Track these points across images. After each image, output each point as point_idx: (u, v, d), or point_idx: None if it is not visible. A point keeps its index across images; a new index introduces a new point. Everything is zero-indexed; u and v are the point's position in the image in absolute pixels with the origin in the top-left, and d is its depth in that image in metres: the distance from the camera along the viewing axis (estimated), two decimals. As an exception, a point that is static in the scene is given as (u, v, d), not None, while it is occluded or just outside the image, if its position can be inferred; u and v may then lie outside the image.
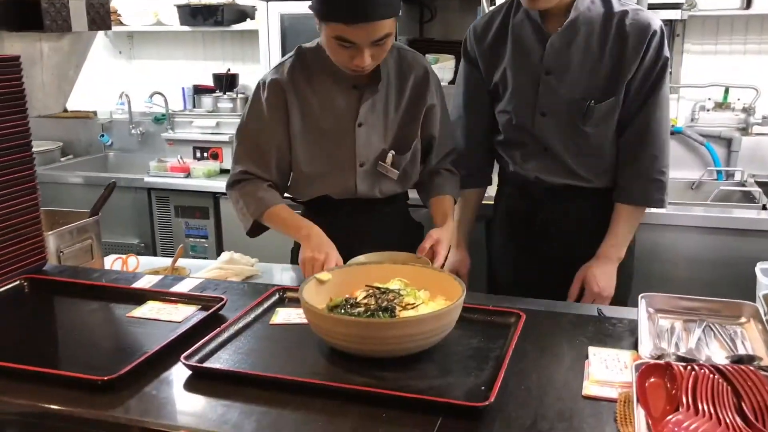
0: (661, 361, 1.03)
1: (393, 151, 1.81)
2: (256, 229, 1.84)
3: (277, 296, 1.42)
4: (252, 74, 3.79)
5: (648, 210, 2.65)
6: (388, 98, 1.81)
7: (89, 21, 1.97)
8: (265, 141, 1.80)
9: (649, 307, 1.30)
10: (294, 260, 2.05)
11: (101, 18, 2.03)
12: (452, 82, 3.30)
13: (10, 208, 1.50)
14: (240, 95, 3.66)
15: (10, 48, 1.88)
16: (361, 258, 1.57)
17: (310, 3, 1.65)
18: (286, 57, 1.85)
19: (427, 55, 3.29)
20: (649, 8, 2.82)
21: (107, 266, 1.98)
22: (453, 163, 1.93)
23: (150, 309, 1.37)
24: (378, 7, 1.53)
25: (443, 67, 3.28)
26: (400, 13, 1.63)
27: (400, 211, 1.99)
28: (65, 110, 3.79)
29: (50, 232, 1.75)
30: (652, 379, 1.01)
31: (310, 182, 1.84)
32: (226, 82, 3.72)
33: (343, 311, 1.19)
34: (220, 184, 3.36)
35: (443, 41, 3.56)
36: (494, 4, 2.98)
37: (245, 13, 3.67)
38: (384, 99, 1.80)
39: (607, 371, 1.11)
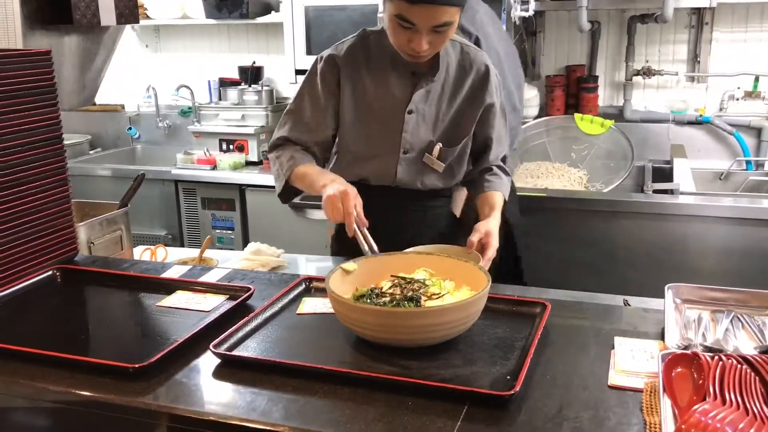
0: (688, 351, 1.03)
1: (441, 144, 1.81)
2: (289, 193, 1.84)
3: (303, 286, 1.43)
4: (277, 67, 3.81)
5: (676, 201, 2.67)
6: (444, 90, 1.80)
7: (117, 15, 2.00)
8: (312, 112, 1.83)
9: (675, 297, 1.29)
10: (335, 251, 2.07)
11: (129, 12, 2.06)
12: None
13: (43, 200, 1.53)
14: (265, 88, 3.68)
15: (40, 41, 1.91)
16: (410, 250, 1.56)
17: None
18: (349, 37, 1.86)
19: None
20: (676, -4, 2.80)
21: (136, 257, 2.02)
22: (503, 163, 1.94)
23: (179, 298, 1.40)
24: None
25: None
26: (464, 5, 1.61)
27: (442, 208, 1.96)
28: (93, 103, 3.84)
29: (81, 224, 1.79)
30: (679, 369, 1.01)
31: (353, 162, 1.85)
32: (252, 74, 3.74)
33: (369, 301, 1.20)
34: (246, 176, 3.39)
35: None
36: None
37: (270, 6, 3.69)
38: (440, 90, 1.80)
39: (633, 361, 1.11)
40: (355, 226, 1.50)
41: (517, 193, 2.83)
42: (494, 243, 1.61)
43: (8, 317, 1.35)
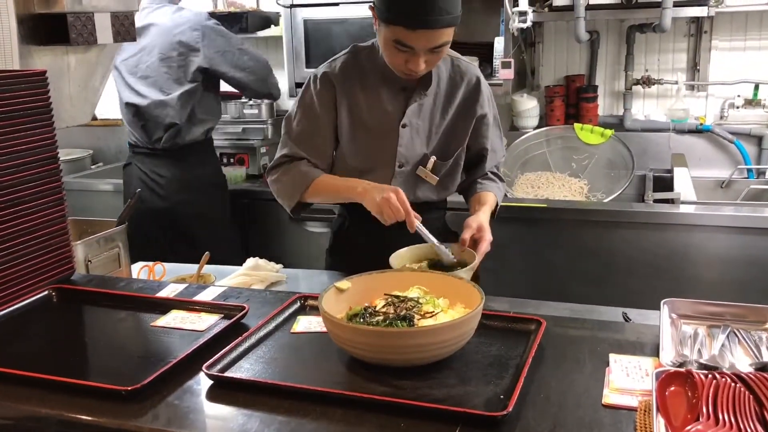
0: (682, 369, 1.02)
1: (434, 157, 1.81)
2: (299, 207, 1.87)
3: (298, 304, 1.43)
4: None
5: (677, 210, 2.66)
6: (436, 104, 1.82)
7: (114, 33, 2.00)
8: (311, 131, 1.84)
9: (671, 312, 1.28)
10: (329, 265, 2.07)
11: (126, 30, 2.06)
12: (476, 83, 3.30)
13: (39, 219, 1.53)
14: (265, 102, 3.69)
15: (38, 61, 1.92)
16: (403, 250, 1.63)
17: (371, 2, 1.67)
18: (340, 53, 1.89)
19: (450, 58, 3.30)
20: (675, 6, 2.79)
21: (134, 273, 2.02)
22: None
23: (174, 318, 1.39)
24: (442, 15, 1.55)
25: (466, 69, 3.27)
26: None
27: (436, 220, 1.97)
28: (94, 118, 3.86)
29: (78, 242, 1.79)
30: (673, 388, 1.00)
31: (349, 177, 1.86)
32: (252, 87, 3.74)
33: (361, 320, 1.19)
34: (246, 190, 3.39)
35: (466, 42, 3.54)
36: (517, 5, 2.98)
37: (269, 20, 3.70)
38: (432, 104, 1.81)
39: (627, 379, 1.10)
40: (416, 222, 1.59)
41: (517, 204, 2.84)
42: (487, 236, 1.66)
43: (4, 338, 1.35)
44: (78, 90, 2.06)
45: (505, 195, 2.97)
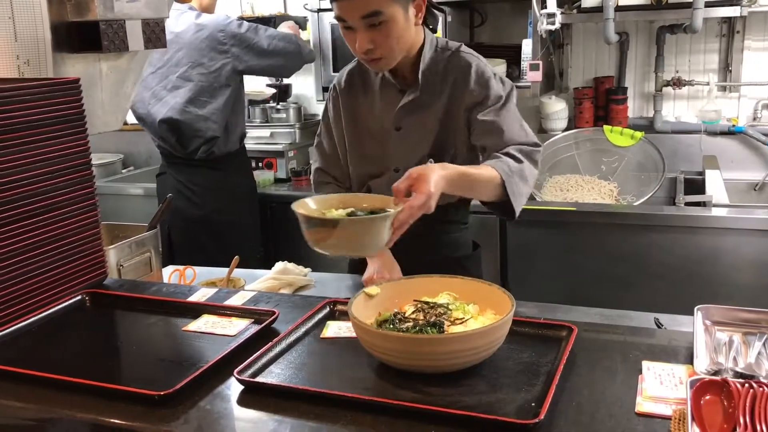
0: (717, 378, 1.00)
1: (431, 159, 1.76)
2: None
3: (327, 309, 1.43)
4: (304, 84, 3.83)
5: (709, 213, 2.62)
6: (427, 102, 1.78)
7: (145, 40, 2.03)
8: (330, 145, 1.94)
9: (705, 319, 1.26)
10: (352, 269, 2.08)
11: (156, 36, 2.08)
12: (504, 86, 3.29)
13: (72, 225, 1.56)
14: (293, 105, 3.71)
15: (71, 69, 1.95)
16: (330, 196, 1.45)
17: None
18: (352, 62, 1.92)
19: (477, 60, 3.28)
20: (706, 6, 2.75)
21: (165, 278, 2.04)
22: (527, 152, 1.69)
23: (205, 323, 1.40)
24: None
25: (494, 72, 3.25)
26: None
27: (457, 237, 1.95)
28: (125, 123, 3.90)
29: (110, 247, 1.81)
30: (708, 396, 0.98)
31: (359, 186, 1.90)
32: (280, 92, 3.77)
33: (391, 326, 1.19)
34: (274, 194, 3.41)
35: (494, 45, 3.54)
36: (545, 7, 2.96)
37: (297, 24, 3.72)
38: (426, 104, 1.78)
39: (661, 387, 1.09)
40: None
41: (546, 207, 2.82)
42: (425, 188, 1.34)
43: (38, 343, 1.37)
44: (110, 96, 2.09)
45: (533, 198, 2.98)
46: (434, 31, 1.85)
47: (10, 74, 1.78)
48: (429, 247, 1.89)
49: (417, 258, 1.76)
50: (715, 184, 2.86)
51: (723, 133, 3.19)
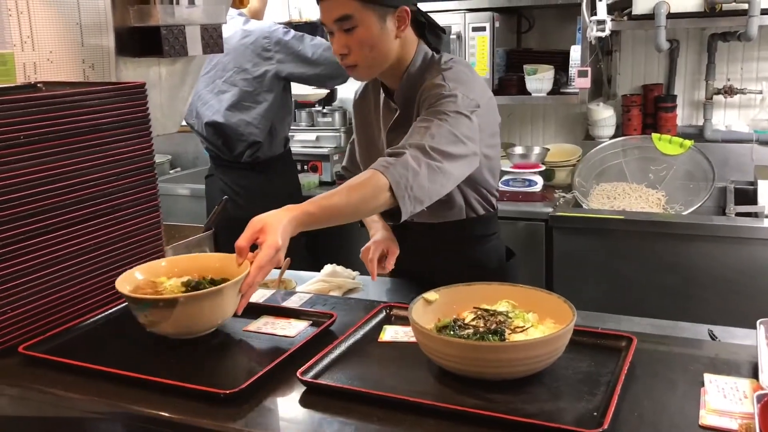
0: (785, 393, 1.00)
1: None
2: None
3: (384, 313, 1.45)
4: (348, 89, 3.86)
5: (761, 224, 2.58)
6: (409, 118, 1.75)
7: (204, 45, 2.07)
8: (352, 146, 2.11)
9: (768, 333, 1.25)
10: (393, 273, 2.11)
11: (214, 41, 2.13)
12: (551, 92, 3.28)
13: (136, 225, 1.60)
14: (338, 110, 3.75)
15: (132, 72, 2.00)
16: None
17: None
18: None
19: (525, 66, 3.28)
20: (762, 13, 2.71)
21: (219, 278, 2.07)
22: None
23: (265, 323, 1.43)
24: None
25: (541, 78, 3.26)
26: (374, 1, 1.63)
27: (464, 242, 1.93)
28: (178, 125, 3.99)
29: (168, 247, 1.86)
30: (775, 412, 0.98)
31: None
32: (325, 96, 3.81)
33: (451, 332, 1.20)
34: (319, 196, 3.44)
35: (541, 51, 3.54)
36: (595, 14, 2.95)
37: (343, 29, 3.75)
38: (407, 119, 1.75)
39: (725, 401, 1.08)
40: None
41: (593, 215, 2.80)
42: (272, 241, 1.28)
43: (103, 340, 1.42)
44: (168, 100, 2.14)
45: (580, 205, 2.97)
46: (437, 51, 1.80)
47: (76, 77, 1.84)
48: (461, 262, 1.91)
49: (451, 273, 1.69)
50: (767, 195, 2.81)
51: (775, 143, 3.14)
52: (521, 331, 1.18)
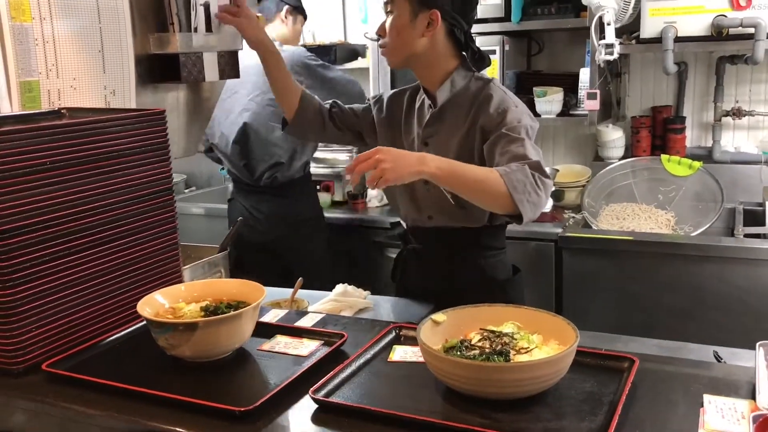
0: (780, 414, 1.03)
1: None
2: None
3: (393, 334, 1.49)
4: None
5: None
6: (456, 124, 1.90)
7: (220, 71, 2.15)
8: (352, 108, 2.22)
9: (768, 355, 1.28)
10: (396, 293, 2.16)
11: (231, 67, 2.20)
12: (560, 114, 3.33)
13: (154, 247, 1.66)
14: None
15: (151, 97, 2.07)
16: None
17: None
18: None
19: (534, 88, 3.34)
20: (768, 38, 2.76)
21: (233, 298, 2.12)
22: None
23: (278, 342, 1.48)
24: None
25: (551, 100, 3.31)
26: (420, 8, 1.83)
27: (473, 249, 2.00)
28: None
29: (185, 267, 1.91)
30: (771, 432, 1.01)
31: (397, 206, 2.10)
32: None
33: (458, 353, 1.24)
34: (331, 216, 3.49)
35: (551, 74, 3.58)
36: (603, 37, 3.00)
37: (356, 52, 3.82)
38: (453, 124, 1.90)
39: (723, 421, 1.12)
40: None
41: (602, 236, 2.83)
42: (378, 155, 1.53)
43: (122, 358, 1.47)
44: (186, 123, 2.21)
45: (590, 226, 3.00)
46: (478, 70, 1.97)
47: (98, 103, 1.91)
48: (467, 271, 1.99)
49: (457, 282, 1.96)
50: (775, 216, 2.84)
51: (784, 164, 3.16)
52: (526, 352, 1.22)
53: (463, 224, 1.94)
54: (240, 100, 3.08)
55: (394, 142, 2.02)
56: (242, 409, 1.18)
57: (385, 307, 2.12)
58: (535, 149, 1.75)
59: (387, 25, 1.89)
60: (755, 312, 2.59)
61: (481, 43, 3.26)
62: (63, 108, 1.76)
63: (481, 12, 3.30)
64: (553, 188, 3.26)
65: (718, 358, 1.63)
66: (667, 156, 3.19)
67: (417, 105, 2.02)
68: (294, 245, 3.11)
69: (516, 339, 1.26)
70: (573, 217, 3.13)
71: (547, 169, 3.31)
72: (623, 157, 3.36)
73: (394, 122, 2.06)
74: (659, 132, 3.39)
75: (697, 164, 3.10)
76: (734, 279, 2.64)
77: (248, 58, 3.04)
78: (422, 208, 1.98)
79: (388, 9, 1.89)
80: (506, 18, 3.28)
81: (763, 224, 2.81)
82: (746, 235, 2.79)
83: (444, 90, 1.92)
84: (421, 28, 1.85)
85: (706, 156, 3.31)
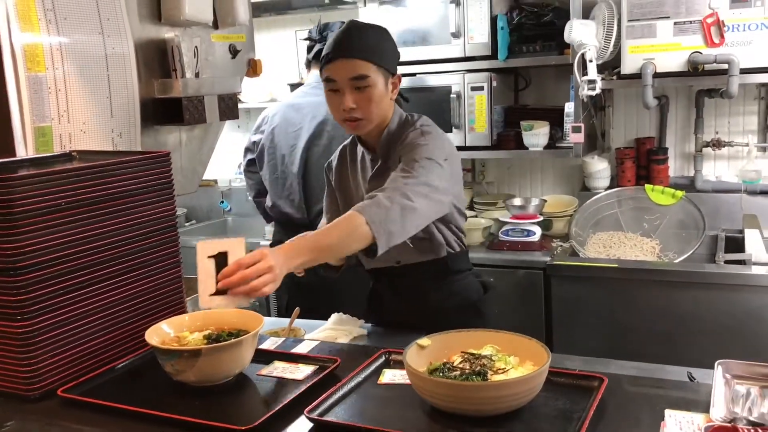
0: (729, 425, 1.14)
1: None
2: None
3: (383, 358, 1.60)
4: (358, 143, 4.06)
5: (749, 271, 2.70)
6: (387, 166, 1.95)
7: (221, 113, 2.28)
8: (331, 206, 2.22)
9: (726, 373, 1.39)
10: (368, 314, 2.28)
11: (230, 109, 2.34)
12: (547, 147, 3.46)
13: (160, 280, 1.77)
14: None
15: (155, 138, 2.21)
16: None
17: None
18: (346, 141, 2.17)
19: (521, 122, 3.47)
20: (742, 73, 2.89)
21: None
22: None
23: (276, 368, 1.59)
24: (356, 49, 1.83)
25: (538, 133, 3.43)
26: (384, 66, 1.87)
27: (446, 276, 2.09)
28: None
29: (188, 298, 2.02)
30: (720, 441, 1.11)
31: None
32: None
33: (441, 374, 1.35)
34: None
35: (538, 108, 3.72)
36: (586, 74, 3.14)
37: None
38: (385, 168, 1.96)
39: (681, 432, 1.22)
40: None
41: (589, 264, 2.94)
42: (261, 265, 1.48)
43: (132, 383, 1.57)
44: (188, 162, 2.34)
45: (577, 254, 3.12)
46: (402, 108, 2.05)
47: (106, 145, 2.04)
48: (443, 295, 2.09)
49: (434, 306, 2.07)
50: (754, 243, 2.94)
51: (763, 192, 3.28)
52: (502, 372, 1.33)
53: (428, 257, 2.04)
54: (306, 130, 3.01)
55: (351, 201, 2.04)
56: (243, 428, 1.29)
57: (378, 334, 2.22)
58: (424, 176, 1.76)
59: (361, 100, 1.85)
60: (736, 335, 2.69)
61: (469, 80, 3.43)
62: (74, 151, 1.89)
63: (469, 50, 3.46)
64: (541, 218, 3.39)
65: (691, 378, 1.73)
66: (651, 186, 3.31)
67: (358, 158, 2.06)
68: (299, 280, 3.08)
69: (494, 360, 1.37)
70: (561, 246, 3.24)
71: (535, 200, 3.45)
72: (609, 187, 3.48)
73: (345, 183, 2.12)
74: (643, 162, 3.52)
75: (680, 193, 3.22)
76: (716, 304, 2.74)
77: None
78: (389, 257, 1.99)
79: (360, 85, 1.84)
80: (493, 56, 3.42)
81: (743, 250, 2.92)
82: (727, 261, 2.90)
83: (383, 141, 1.96)
84: (389, 93, 1.92)
85: (689, 185, 3.43)
